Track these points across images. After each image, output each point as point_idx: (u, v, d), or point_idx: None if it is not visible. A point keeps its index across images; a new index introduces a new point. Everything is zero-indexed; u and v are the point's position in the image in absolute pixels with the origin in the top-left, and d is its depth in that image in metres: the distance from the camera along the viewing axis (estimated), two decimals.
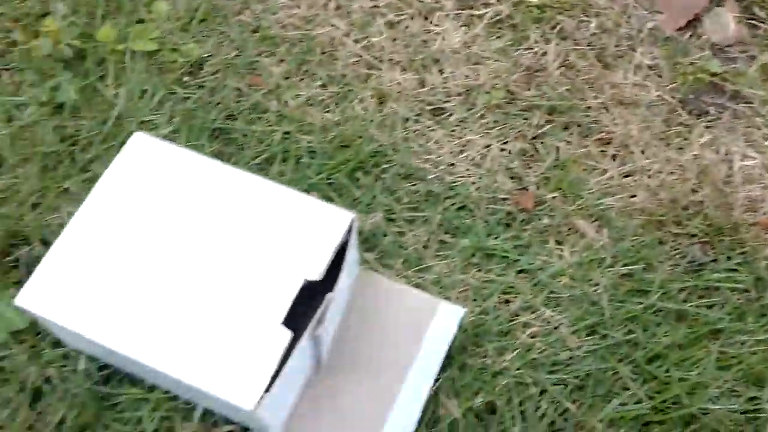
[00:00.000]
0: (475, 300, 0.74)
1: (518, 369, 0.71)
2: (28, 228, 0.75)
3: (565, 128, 0.86)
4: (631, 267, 0.77)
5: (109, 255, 0.60)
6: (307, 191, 0.72)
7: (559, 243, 0.79)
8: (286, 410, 0.65)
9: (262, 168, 0.80)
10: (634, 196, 0.82)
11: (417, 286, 0.74)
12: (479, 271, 0.76)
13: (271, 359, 0.56)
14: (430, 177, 0.81)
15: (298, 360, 0.60)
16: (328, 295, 0.60)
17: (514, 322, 0.74)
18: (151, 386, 0.67)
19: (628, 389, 0.70)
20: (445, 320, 0.70)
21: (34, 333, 0.69)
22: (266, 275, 0.59)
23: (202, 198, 0.62)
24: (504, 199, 0.81)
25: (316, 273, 0.59)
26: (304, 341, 0.59)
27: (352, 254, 0.66)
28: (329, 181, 0.79)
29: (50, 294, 0.58)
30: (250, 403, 0.54)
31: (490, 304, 0.74)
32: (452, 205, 0.80)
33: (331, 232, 0.61)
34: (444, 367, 0.69)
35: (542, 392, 0.70)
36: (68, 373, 0.68)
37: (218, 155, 0.79)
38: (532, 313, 0.74)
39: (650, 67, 0.92)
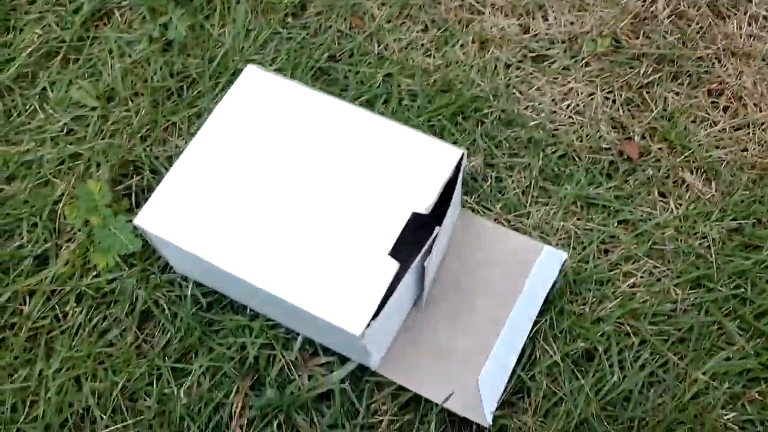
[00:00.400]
0: (574, 248, 0.73)
1: (618, 318, 0.69)
2: (139, 159, 0.77)
3: (674, 78, 0.83)
4: (740, 221, 0.74)
5: (224, 181, 0.61)
6: None
7: (663, 195, 0.77)
8: (387, 340, 0.65)
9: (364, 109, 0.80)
10: (746, 150, 0.79)
11: (516, 230, 0.73)
12: (579, 219, 0.75)
13: (378, 288, 0.56)
14: (531, 124, 0.80)
15: (404, 291, 0.60)
16: (437, 228, 0.60)
17: (615, 271, 0.72)
18: (253, 315, 0.69)
19: (733, 344, 0.68)
20: (547, 264, 0.69)
21: (144, 258, 0.72)
22: (375, 206, 0.60)
23: (314, 129, 0.63)
24: (607, 148, 0.79)
25: (425, 206, 0.59)
26: (411, 272, 0.59)
27: (458, 191, 0.66)
28: (430, 123, 0.79)
29: (167, 215, 0.60)
30: (357, 329, 0.55)
31: (589, 253, 0.73)
32: (553, 152, 0.78)
33: (440, 167, 0.61)
34: (542, 312, 0.69)
35: (642, 342, 0.69)
36: (175, 298, 0.70)
37: None
38: (634, 263, 0.72)
39: (765, 18, 0.87)
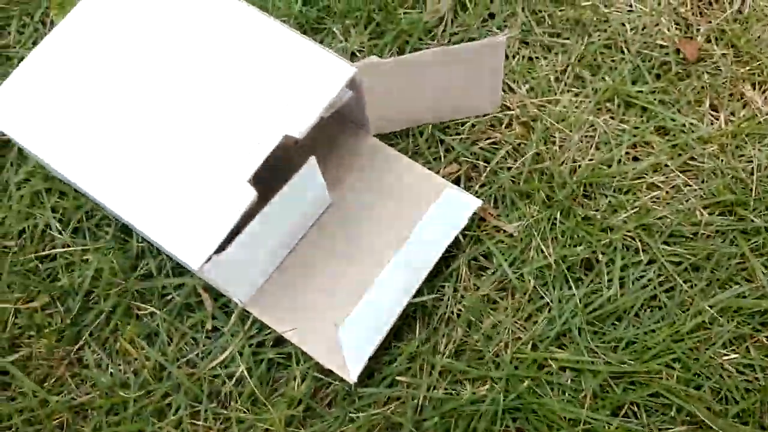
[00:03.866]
0: (599, 148, 0.65)
1: (630, 231, 0.62)
2: None
3: None
4: None
5: (81, 78, 0.53)
6: None
7: (714, 108, 0.67)
8: (254, 277, 0.58)
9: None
10: None
11: (539, 110, 0.65)
12: (613, 118, 0.66)
13: (228, 219, 0.49)
14: (582, 4, 0.70)
15: (267, 225, 0.54)
16: (312, 158, 0.53)
17: (639, 181, 0.64)
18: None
19: (752, 281, 0.60)
20: (449, 208, 0.60)
21: None
22: (245, 125, 0.51)
23: (191, 28, 0.54)
24: (662, 46, 0.69)
25: (299, 130, 0.51)
26: (273, 206, 0.53)
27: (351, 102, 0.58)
28: None
29: (15, 110, 0.53)
30: (196, 263, 0.48)
31: (615, 156, 0.65)
32: (600, 39, 0.69)
33: (326, 86, 0.52)
34: (545, 210, 0.62)
35: (651, 262, 0.61)
36: None
37: None
38: (663, 176, 0.64)
39: None
